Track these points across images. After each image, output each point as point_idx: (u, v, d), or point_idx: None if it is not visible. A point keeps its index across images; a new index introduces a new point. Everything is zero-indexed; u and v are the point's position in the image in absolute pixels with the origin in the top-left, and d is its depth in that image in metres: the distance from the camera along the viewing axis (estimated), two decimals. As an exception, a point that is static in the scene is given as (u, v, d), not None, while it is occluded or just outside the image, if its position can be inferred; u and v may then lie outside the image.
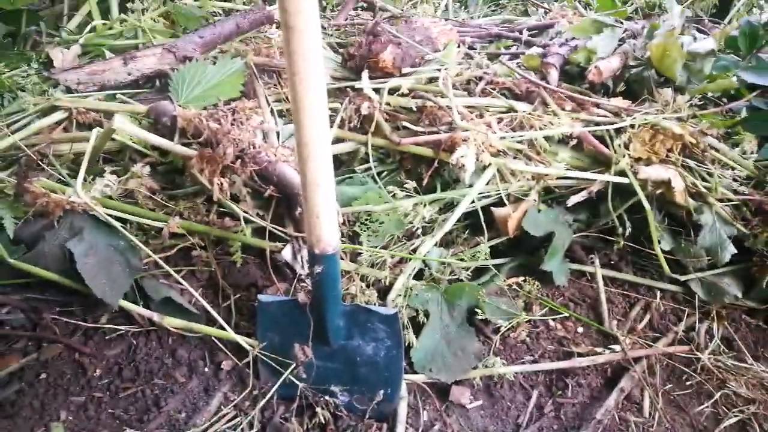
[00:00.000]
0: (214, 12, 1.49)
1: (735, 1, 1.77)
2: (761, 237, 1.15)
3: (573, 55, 1.30)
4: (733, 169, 1.18)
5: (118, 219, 0.94)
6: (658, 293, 1.18)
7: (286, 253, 1.00)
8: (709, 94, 1.26)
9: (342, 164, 1.21)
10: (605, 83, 1.28)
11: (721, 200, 1.15)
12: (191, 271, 1.02)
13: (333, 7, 1.68)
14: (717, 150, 1.19)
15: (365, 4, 1.59)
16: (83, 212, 0.92)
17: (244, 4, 1.59)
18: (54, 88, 1.16)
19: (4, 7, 1.37)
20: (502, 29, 1.49)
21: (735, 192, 1.15)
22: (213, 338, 0.93)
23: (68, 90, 1.15)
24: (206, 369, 0.92)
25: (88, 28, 1.33)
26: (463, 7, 1.83)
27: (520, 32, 1.44)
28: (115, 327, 0.92)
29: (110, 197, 0.97)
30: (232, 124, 0.97)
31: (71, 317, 0.91)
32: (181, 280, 0.91)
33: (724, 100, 1.36)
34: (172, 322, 0.91)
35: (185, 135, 1.00)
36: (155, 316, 0.91)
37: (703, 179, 1.16)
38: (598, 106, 1.22)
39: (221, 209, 1.04)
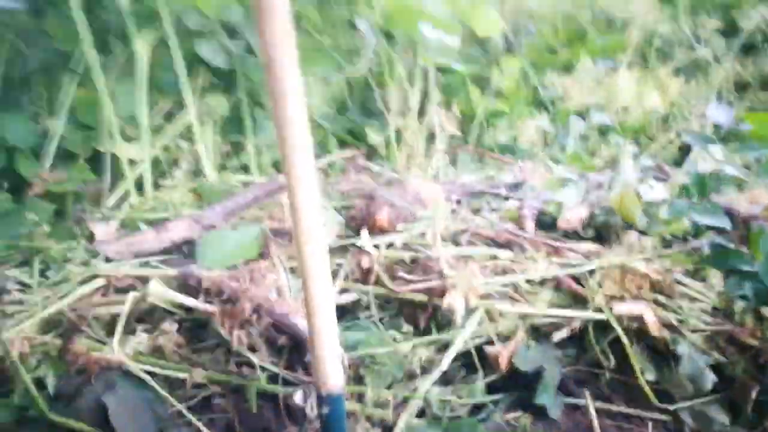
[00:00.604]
0: (235, 185, 1.71)
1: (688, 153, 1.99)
2: (738, 365, 1.24)
3: (546, 207, 1.49)
4: (700, 301, 1.30)
5: (147, 373, 1.06)
6: (650, 423, 1.24)
7: (298, 397, 1.11)
8: (668, 236, 1.42)
9: (347, 312, 1.35)
10: (575, 230, 1.45)
11: (694, 331, 1.26)
12: (211, 419, 1.12)
13: (337, 173, 1.90)
14: (684, 285, 1.33)
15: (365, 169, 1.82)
16: (118, 368, 1.05)
17: (260, 174, 1.82)
18: (95, 258, 1.34)
19: (53, 190, 1.61)
20: (484, 186, 1.69)
21: (706, 323, 1.27)
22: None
23: (107, 260, 1.32)
24: None
25: (125, 204, 1.54)
26: (451, 165, 2.05)
27: (499, 188, 1.64)
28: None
29: (141, 353, 1.11)
30: (249, 283, 1.13)
31: (103, 468, 1.00)
32: (202, 428, 1.01)
33: (689, 238, 1.52)
34: (193, 468, 0.99)
35: (209, 294, 1.16)
36: (179, 463, 0.99)
37: (675, 312, 1.28)
38: (571, 250, 1.37)
39: (239, 360, 1.16)
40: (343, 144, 2.24)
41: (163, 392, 1.02)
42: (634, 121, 2.17)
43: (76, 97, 1.76)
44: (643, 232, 1.41)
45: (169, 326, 1.13)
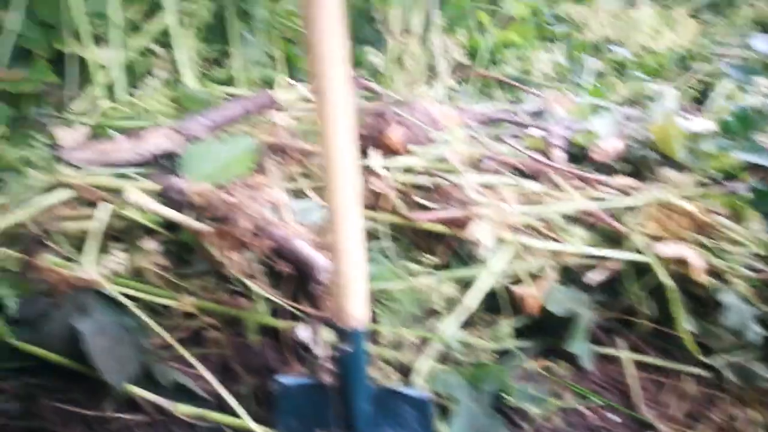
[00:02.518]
0: (219, 97, 1.50)
1: (711, 92, 1.87)
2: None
3: (574, 137, 1.33)
4: (744, 246, 1.18)
5: (126, 297, 0.88)
6: (688, 377, 1.13)
7: (304, 333, 0.95)
8: (710, 173, 1.29)
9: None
10: (608, 164, 1.30)
11: (739, 278, 1.14)
12: (203, 354, 0.95)
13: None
14: (726, 228, 1.20)
15: (369, 93, 1.63)
16: (90, 290, 0.87)
17: (246, 88, 1.62)
18: (60, 166, 1.13)
19: (9, 90, 1.37)
20: (502, 113, 1.53)
21: (754, 270, 1.15)
22: (227, 427, 0.85)
23: (74, 169, 1.12)
24: (218, 461, 0.83)
25: (94, 111, 1.33)
26: (457, 96, 1.89)
27: (519, 116, 1.48)
28: (120, 415, 0.84)
29: (118, 275, 0.93)
30: (246, 199, 0.95)
31: (73, 405, 0.83)
32: (195, 362, 0.85)
33: (724, 181, 1.39)
34: (183, 410, 0.83)
35: (197, 211, 0.98)
36: (165, 403, 0.83)
37: (720, 257, 1.16)
38: (604, 184, 1.23)
39: (233, 288, 1.00)
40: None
41: (148, 320, 0.85)
42: (653, 59, 2.01)
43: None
44: (682, 168, 1.27)
45: (151, 245, 0.95)
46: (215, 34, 1.77)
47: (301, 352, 0.96)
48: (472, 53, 2.08)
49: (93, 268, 0.86)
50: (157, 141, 1.20)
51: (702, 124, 1.26)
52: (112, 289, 0.85)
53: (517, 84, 1.70)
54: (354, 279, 0.71)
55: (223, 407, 0.85)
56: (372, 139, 1.25)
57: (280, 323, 0.94)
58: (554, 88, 1.84)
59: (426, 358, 0.98)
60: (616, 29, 2.08)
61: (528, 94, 1.66)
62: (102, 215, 0.93)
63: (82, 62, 1.50)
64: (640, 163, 1.29)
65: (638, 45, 2.08)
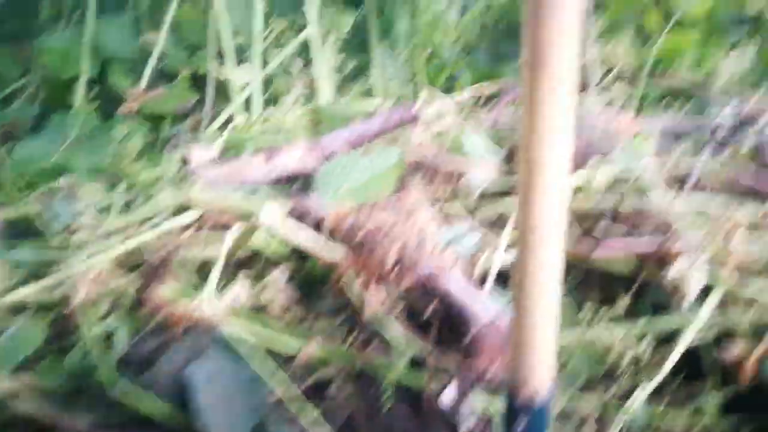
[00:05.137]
0: (358, 112, 1.39)
1: None
2: None
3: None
4: None
5: (245, 340, 0.76)
6: None
7: (448, 397, 0.76)
8: None
9: (502, 278, 0.99)
10: None
11: None
12: (325, 411, 0.80)
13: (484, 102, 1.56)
14: None
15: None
16: (207, 328, 0.75)
17: (385, 104, 1.50)
18: (188, 185, 1.06)
19: (148, 110, 1.35)
20: (687, 126, 1.26)
21: None
22: None
23: (204, 189, 1.04)
24: None
25: (230, 127, 1.26)
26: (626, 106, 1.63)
27: (715, 129, 1.20)
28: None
29: (239, 311, 0.81)
30: (391, 224, 0.79)
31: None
32: (316, 421, 0.69)
33: None
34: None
35: (333, 236, 0.84)
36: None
37: None
38: None
39: (368, 331, 0.84)
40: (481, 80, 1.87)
41: (265, 372, 0.71)
42: None
43: (179, 12, 1.50)
44: None
45: (278, 277, 0.82)
46: (354, 47, 1.68)
47: (448, 418, 0.77)
48: (638, 60, 1.81)
49: (212, 303, 0.74)
50: (292, 158, 1.10)
51: None
52: (232, 331, 0.72)
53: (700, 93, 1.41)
54: (543, 338, 0.52)
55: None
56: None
57: (422, 382, 0.77)
58: (745, 97, 1.52)
59: (609, 435, 0.75)
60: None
61: (715, 105, 1.37)
62: (229, 240, 0.82)
63: (220, 84, 1.46)
64: None
65: None
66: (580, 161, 1.05)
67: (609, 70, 1.78)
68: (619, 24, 1.91)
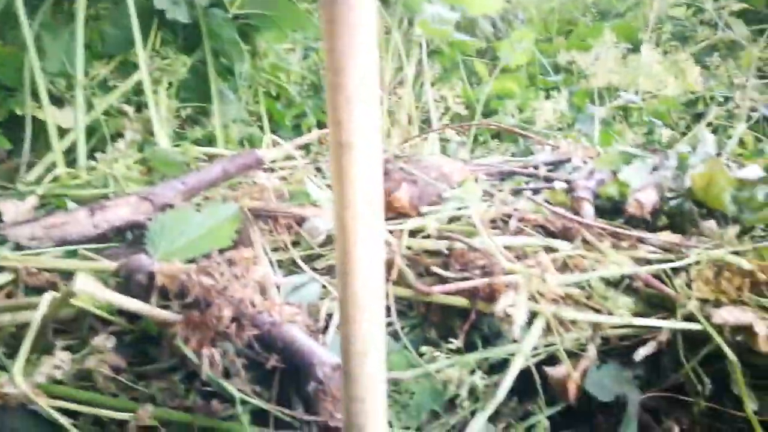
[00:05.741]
0: (197, 158, 1.34)
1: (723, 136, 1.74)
2: None
3: (603, 189, 1.18)
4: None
5: (67, 412, 0.69)
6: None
7: (296, 448, 0.75)
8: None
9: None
10: (643, 218, 1.14)
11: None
12: (165, 480, 0.74)
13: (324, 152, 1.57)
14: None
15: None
16: (20, 407, 0.67)
17: (227, 148, 1.46)
18: (1, 245, 0.95)
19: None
20: (514, 165, 1.38)
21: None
22: None
23: (18, 247, 0.94)
24: None
25: (50, 176, 1.15)
26: (456, 149, 1.75)
27: (535, 168, 1.33)
28: None
29: (60, 382, 0.73)
30: (227, 279, 0.76)
31: None
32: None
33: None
34: None
35: (165, 295, 0.79)
36: None
37: (786, 322, 0.98)
38: (643, 242, 1.06)
39: (206, 388, 0.80)
40: (322, 124, 1.91)
41: (90, 446, 0.65)
42: (662, 103, 1.90)
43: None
44: (726, 221, 1.11)
45: (104, 341, 0.75)
46: (192, 91, 1.64)
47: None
48: (468, 104, 1.96)
49: (22, 377, 0.66)
50: (120, 211, 1.03)
51: (754, 169, 1.11)
52: (45, 405, 0.65)
53: (526, 133, 1.55)
54: (370, 380, 0.52)
55: None
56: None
57: (268, 434, 0.74)
58: (560, 137, 1.70)
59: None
60: (619, 75, 1.96)
61: (537, 144, 1.52)
62: (42, 307, 0.74)
63: (42, 126, 1.34)
64: (678, 216, 1.13)
65: (643, 91, 1.97)
66: (417, 203, 1.11)
67: (444, 112, 1.91)
68: (453, 69, 2.06)
